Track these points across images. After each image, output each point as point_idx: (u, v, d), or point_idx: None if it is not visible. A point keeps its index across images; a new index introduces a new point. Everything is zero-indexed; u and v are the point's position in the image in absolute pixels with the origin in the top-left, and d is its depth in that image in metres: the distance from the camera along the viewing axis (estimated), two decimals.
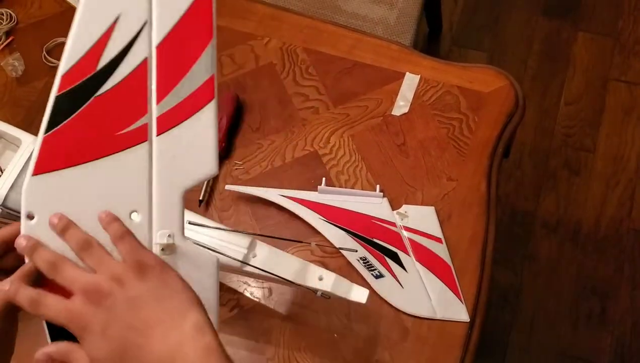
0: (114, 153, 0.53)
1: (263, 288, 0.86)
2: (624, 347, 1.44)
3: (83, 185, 0.52)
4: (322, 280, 0.70)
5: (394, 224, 0.87)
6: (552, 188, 1.61)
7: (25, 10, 1.12)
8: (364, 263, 0.84)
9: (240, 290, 0.86)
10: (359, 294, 0.71)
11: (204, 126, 0.54)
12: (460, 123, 0.94)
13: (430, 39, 1.81)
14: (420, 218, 0.87)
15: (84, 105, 0.52)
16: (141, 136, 0.53)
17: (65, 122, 0.52)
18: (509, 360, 1.45)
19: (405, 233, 0.86)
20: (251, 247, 0.72)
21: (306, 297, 0.84)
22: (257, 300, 0.86)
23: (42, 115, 1.00)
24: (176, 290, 0.50)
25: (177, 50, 0.54)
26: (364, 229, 0.86)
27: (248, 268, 0.72)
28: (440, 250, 0.85)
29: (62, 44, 1.07)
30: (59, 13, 1.11)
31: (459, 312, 0.81)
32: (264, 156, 0.95)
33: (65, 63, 0.53)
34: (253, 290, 0.86)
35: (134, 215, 0.53)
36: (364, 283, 0.83)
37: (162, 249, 0.53)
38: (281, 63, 1.02)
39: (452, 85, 0.97)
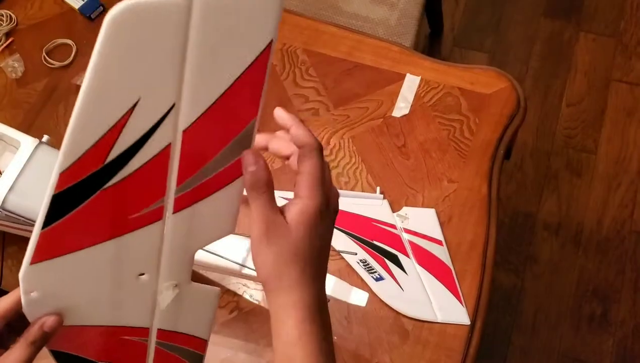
0: (123, 234, 0.47)
1: (262, 291, 0.85)
2: (625, 350, 1.44)
3: (87, 263, 0.47)
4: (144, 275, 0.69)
5: (394, 226, 0.86)
6: (553, 190, 1.61)
7: (25, 12, 1.12)
8: (364, 265, 0.83)
9: (240, 292, 0.85)
10: (358, 297, 0.71)
11: (228, 198, 0.48)
12: (461, 124, 0.94)
13: (432, 40, 1.80)
14: (420, 221, 0.87)
15: (89, 199, 0.44)
16: (156, 215, 0.46)
17: (64, 217, 0.44)
18: (510, 362, 1.44)
19: (405, 236, 0.86)
20: (250, 250, 0.72)
21: None
22: (257, 302, 0.85)
23: (42, 117, 1.00)
24: None
25: (209, 129, 0.44)
26: (364, 231, 0.86)
27: (247, 271, 0.71)
28: (441, 253, 0.84)
29: (62, 45, 1.08)
30: (58, 14, 1.11)
31: (460, 315, 0.80)
32: (264, 158, 0.94)
33: (65, 158, 0.41)
34: (252, 293, 0.85)
35: (142, 277, 0.50)
36: (364, 286, 0.83)
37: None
38: (281, 64, 1.02)
39: (453, 86, 0.97)
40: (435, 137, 0.94)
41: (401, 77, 0.98)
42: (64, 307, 0.49)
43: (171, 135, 0.43)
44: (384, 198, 0.89)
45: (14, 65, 1.06)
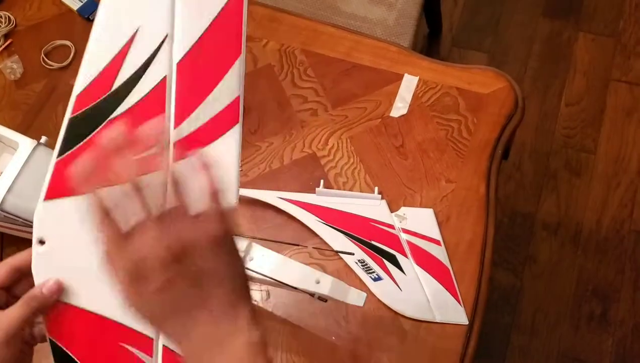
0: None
1: (261, 291, 0.85)
2: (625, 349, 1.44)
3: None
4: (320, 283, 0.70)
5: (392, 226, 0.86)
6: (552, 190, 1.61)
7: (23, 13, 1.12)
8: (362, 265, 0.83)
9: None
10: (356, 297, 0.71)
11: (225, 154, 0.48)
12: (459, 124, 0.94)
13: (430, 40, 1.80)
14: (418, 221, 0.87)
15: (98, 128, 0.48)
16: (155, 165, 0.46)
17: (79, 145, 0.48)
18: (509, 362, 1.44)
19: (403, 236, 0.86)
20: (248, 250, 0.72)
21: (304, 300, 0.83)
22: (255, 302, 0.85)
23: (41, 118, 1.00)
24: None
25: (200, 67, 0.48)
26: (362, 231, 0.86)
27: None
28: (439, 253, 0.84)
29: (61, 47, 1.08)
30: (57, 15, 1.11)
31: (458, 315, 0.80)
32: (262, 158, 0.95)
33: (80, 82, 0.49)
34: (251, 293, 0.85)
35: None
36: (362, 286, 0.83)
37: None
38: (279, 65, 1.02)
39: (451, 86, 0.97)
40: (433, 137, 0.94)
41: (399, 78, 0.98)
42: (71, 279, 0.47)
43: (166, 68, 0.47)
44: (382, 198, 0.89)
45: (13, 67, 1.06)
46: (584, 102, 1.71)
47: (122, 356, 0.48)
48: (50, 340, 0.49)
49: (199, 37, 0.47)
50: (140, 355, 0.48)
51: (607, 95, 1.71)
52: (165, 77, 0.47)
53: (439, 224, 0.87)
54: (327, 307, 0.81)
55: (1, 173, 0.78)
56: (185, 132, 0.47)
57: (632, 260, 1.52)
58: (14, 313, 0.48)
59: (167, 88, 0.47)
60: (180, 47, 0.48)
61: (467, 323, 0.80)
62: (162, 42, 0.47)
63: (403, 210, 0.88)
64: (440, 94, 0.97)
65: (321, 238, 0.86)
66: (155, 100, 0.47)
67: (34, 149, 0.79)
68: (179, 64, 0.48)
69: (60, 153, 0.48)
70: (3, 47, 1.08)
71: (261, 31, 1.05)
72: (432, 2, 1.60)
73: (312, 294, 0.70)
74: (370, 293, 0.81)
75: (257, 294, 0.85)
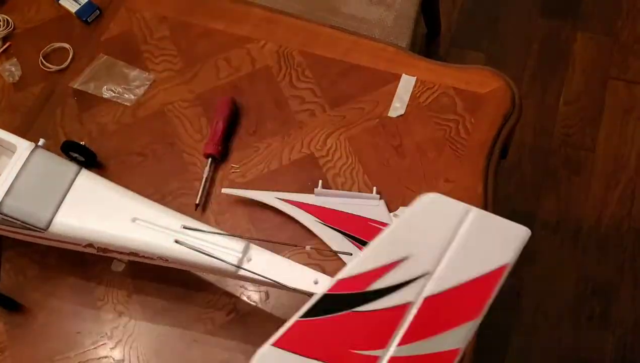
0: None
1: (260, 292, 0.85)
2: (625, 347, 1.44)
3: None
4: (318, 283, 0.70)
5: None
6: (552, 188, 1.61)
7: (22, 16, 1.12)
8: None
9: (237, 294, 0.86)
10: None
11: None
12: (457, 124, 0.94)
13: (429, 40, 1.81)
14: None
15: (341, 313, 0.56)
16: None
17: (320, 317, 0.56)
18: (509, 361, 1.44)
19: None
20: (246, 251, 0.72)
21: (304, 300, 0.83)
22: (254, 304, 0.85)
23: (40, 121, 1.01)
24: None
25: (440, 309, 0.55)
26: (361, 232, 0.86)
27: (243, 273, 0.72)
28: None
29: (59, 49, 1.08)
30: (56, 18, 1.11)
31: None
32: (261, 159, 0.95)
33: (347, 269, 0.57)
34: (250, 294, 0.86)
35: (316, 282, 0.60)
36: None
37: None
38: (277, 66, 1.02)
39: (448, 86, 0.97)
40: (431, 136, 0.94)
41: (397, 78, 0.99)
42: None
43: (414, 296, 0.55)
44: (381, 198, 0.89)
45: (11, 70, 1.06)
46: (582, 100, 1.71)
47: None
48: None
49: (451, 287, 0.55)
50: None
51: (605, 94, 1.71)
52: (409, 303, 0.55)
53: None
54: None
55: None
56: (403, 354, 0.55)
57: (632, 257, 1.52)
58: None
59: (406, 312, 0.55)
60: (433, 286, 0.55)
61: None
62: (421, 275, 0.56)
63: (401, 210, 0.88)
64: (438, 94, 0.97)
65: (320, 239, 0.86)
66: (393, 316, 0.55)
67: (32, 151, 0.79)
68: (426, 299, 0.55)
69: (304, 316, 0.57)
70: (1, 50, 1.09)
71: (259, 33, 1.05)
72: (430, 2, 1.61)
73: (310, 294, 0.70)
74: None
75: (256, 295, 0.85)
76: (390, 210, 0.88)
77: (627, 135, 1.66)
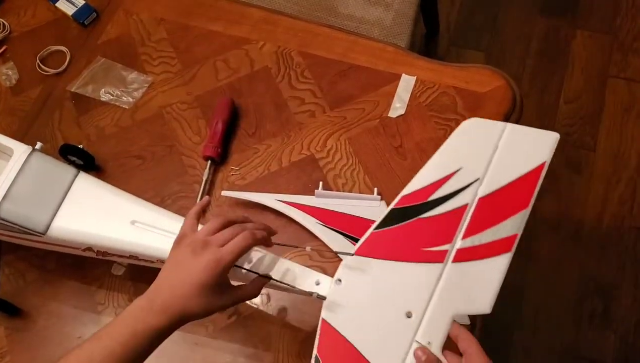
0: (414, 262, 0.65)
1: (261, 294, 0.84)
2: (627, 346, 1.43)
3: (384, 275, 0.65)
4: (319, 284, 0.69)
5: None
6: (552, 187, 1.60)
7: (18, 19, 1.12)
8: None
9: None
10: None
11: (493, 270, 0.63)
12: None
13: (428, 40, 1.80)
14: None
15: (409, 221, 0.67)
16: (440, 257, 0.64)
17: (391, 227, 0.67)
18: (511, 360, 1.44)
19: None
20: (247, 253, 0.71)
21: (305, 302, 0.83)
22: (256, 306, 0.85)
23: (37, 125, 1.00)
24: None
25: (494, 205, 0.65)
26: (362, 233, 0.85)
27: (243, 274, 0.71)
28: None
29: (56, 52, 1.07)
30: (52, 21, 1.11)
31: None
32: (261, 161, 0.94)
33: (409, 187, 0.68)
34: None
35: (410, 315, 0.63)
36: None
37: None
38: (276, 67, 1.02)
39: (449, 85, 0.97)
40: (431, 136, 0.93)
41: (397, 78, 0.98)
42: (347, 314, 0.64)
43: (469, 198, 0.66)
44: (382, 199, 0.88)
45: (8, 73, 1.06)
46: (582, 99, 1.71)
47: None
48: (315, 354, 0.64)
49: (502, 187, 0.65)
50: None
51: (605, 92, 1.71)
52: (466, 205, 0.66)
53: None
54: None
55: None
56: (468, 244, 0.65)
57: (633, 256, 1.52)
58: (234, 247, 0.63)
59: (465, 212, 0.66)
60: (485, 188, 0.66)
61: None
62: (474, 181, 0.67)
63: None
64: (438, 94, 0.96)
65: (321, 241, 0.85)
66: (454, 217, 0.66)
67: (29, 155, 0.79)
68: (480, 199, 0.66)
69: (377, 227, 0.67)
70: None
71: (257, 33, 1.05)
72: (429, 1, 1.60)
73: (310, 294, 0.69)
74: None
75: (257, 297, 0.84)
76: None
77: (628, 134, 1.66)
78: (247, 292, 0.67)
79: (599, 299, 1.48)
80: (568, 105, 1.71)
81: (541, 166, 0.66)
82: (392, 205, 0.67)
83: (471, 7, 1.87)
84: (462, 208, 0.66)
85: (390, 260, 0.65)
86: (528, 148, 0.68)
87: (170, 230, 0.74)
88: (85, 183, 0.79)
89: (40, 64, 1.06)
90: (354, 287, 0.65)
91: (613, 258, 1.52)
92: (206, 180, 0.92)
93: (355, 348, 0.62)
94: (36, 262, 0.90)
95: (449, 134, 0.92)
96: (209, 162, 0.93)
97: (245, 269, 0.71)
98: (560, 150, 1.63)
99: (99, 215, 0.73)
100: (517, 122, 0.94)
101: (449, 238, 0.65)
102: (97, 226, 0.73)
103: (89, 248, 0.77)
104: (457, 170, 0.68)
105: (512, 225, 0.64)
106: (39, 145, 0.82)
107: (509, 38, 1.82)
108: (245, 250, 0.64)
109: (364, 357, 0.62)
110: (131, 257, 0.76)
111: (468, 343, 0.61)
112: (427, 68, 0.99)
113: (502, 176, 0.66)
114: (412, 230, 0.66)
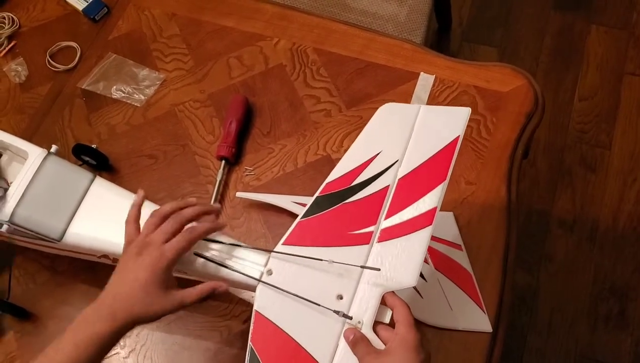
0: (342, 246, 0.66)
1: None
2: None
3: (314, 262, 0.65)
4: (343, 299, 0.66)
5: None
6: (567, 186, 1.58)
7: (27, 14, 1.09)
8: None
9: (253, 302, 0.83)
10: (382, 314, 0.67)
11: (416, 245, 0.64)
12: (478, 124, 0.91)
13: (440, 35, 1.77)
14: (438, 224, 0.83)
15: (334, 207, 0.68)
16: (366, 239, 0.66)
17: (317, 214, 0.68)
18: (526, 362, 1.42)
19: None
20: (267, 264, 0.68)
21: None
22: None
23: (47, 122, 0.98)
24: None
25: (413, 184, 0.67)
26: None
27: (200, 267, 0.69)
28: (460, 257, 0.82)
29: (66, 48, 1.05)
30: (62, 16, 1.09)
31: (481, 322, 0.78)
32: (275, 161, 0.92)
33: (333, 174, 0.70)
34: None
35: (342, 297, 0.64)
36: None
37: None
38: (291, 64, 0.99)
39: (469, 85, 0.94)
40: None
41: (415, 76, 0.96)
42: (280, 304, 0.64)
43: (391, 180, 0.68)
44: None
45: (18, 70, 1.03)
46: (597, 96, 1.68)
47: None
48: (250, 345, 0.63)
49: (419, 165, 0.68)
50: None
51: (621, 89, 1.68)
52: (388, 186, 0.68)
53: (460, 228, 0.84)
54: None
55: (11, 183, 0.75)
56: (391, 223, 0.66)
57: None
58: (176, 244, 0.64)
59: (387, 193, 0.68)
60: (404, 169, 0.68)
61: (490, 330, 0.78)
62: (394, 163, 0.69)
63: None
64: (458, 93, 0.94)
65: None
66: (377, 199, 0.68)
67: (45, 158, 0.76)
68: (400, 179, 0.68)
69: (304, 216, 0.68)
70: (7, 49, 1.06)
71: (272, 30, 1.02)
72: None
73: (336, 312, 0.66)
74: None
75: None
76: None
77: None
78: (194, 295, 0.65)
79: (615, 301, 1.45)
80: (583, 103, 1.68)
81: (455, 140, 0.68)
82: (317, 193, 0.69)
83: (484, 2, 1.84)
84: (384, 190, 0.68)
85: (318, 246, 0.67)
86: (442, 125, 0.70)
87: None
88: (102, 188, 0.76)
89: (50, 60, 1.03)
90: (284, 276, 0.66)
91: (629, 259, 1.49)
92: (220, 181, 0.90)
93: (289, 336, 0.63)
94: (47, 264, 0.88)
95: (470, 135, 0.91)
96: (223, 162, 0.91)
97: (266, 283, 0.67)
98: (575, 149, 1.61)
99: (116, 221, 0.70)
100: (540, 122, 0.92)
101: (373, 220, 0.67)
102: (114, 233, 0.71)
103: (105, 256, 0.75)
104: (377, 154, 0.70)
105: (432, 199, 0.65)
106: (54, 148, 0.79)
107: (522, 34, 1.79)
108: (187, 247, 0.65)
109: (298, 344, 0.62)
110: None
111: (399, 311, 0.62)
112: (446, 66, 0.96)
113: (419, 155, 0.68)
114: (338, 215, 0.68)
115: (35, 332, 0.84)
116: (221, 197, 0.90)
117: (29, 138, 0.97)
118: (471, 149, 0.89)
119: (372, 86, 0.96)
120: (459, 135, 0.68)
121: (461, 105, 0.92)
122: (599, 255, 1.50)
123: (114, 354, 0.82)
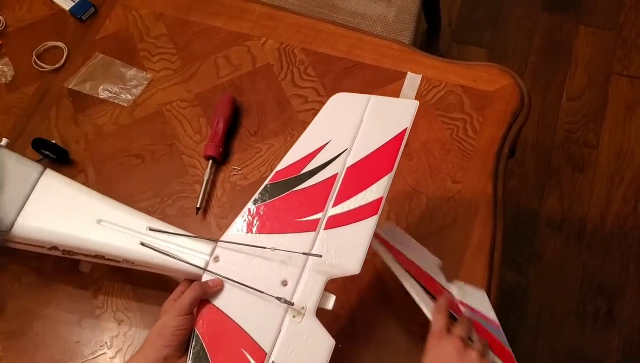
0: (288, 232, 0.67)
1: None
2: (632, 347, 1.42)
3: (260, 249, 0.67)
4: (287, 285, 0.65)
5: (450, 292, 0.77)
6: (555, 186, 1.59)
7: (14, 14, 1.09)
8: None
9: None
10: (326, 300, 0.66)
11: (361, 233, 0.65)
12: (465, 123, 0.92)
13: (429, 36, 1.78)
14: (473, 297, 0.78)
15: (283, 194, 0.70)
16: (312, 226, 0.67)
17: (265, 202, 0.70)
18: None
19: (462, 309, 0.77)
20: (213, 252, 0.69)
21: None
22: None
23: (34, 122, 0.97)
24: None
25: (361, 173, 0.69)
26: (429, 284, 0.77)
27: (209, 274, 0.69)
28: (499, 334, 0.76)
29: (53, 48, 1.05)
30: (49, 16, 1.08)
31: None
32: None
33: (283, 162, 0.71)
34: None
35: (286, 283, 0.65)
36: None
37: (293, 316, 0.64)
38: (279, 64, 0.99)
39: (455, 84, 0.95)
40: (438, 136, 0.91)
41: (402, 76, 0.96)
42: (225, 289, 0.66)
43: (339, 168, 0.70)
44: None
45: (3, 70, 1.03)
46: (585, 96, 1.69)
47: (238, 358, 0.62)
48: (195, 330, 0.64)
49: (367, 155, 0.69)
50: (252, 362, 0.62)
51: (608, 89, 1.69)
52: (336, 174, 0.69)
53: (445, 227, 0.84)
54: (334, 314, 0.78)
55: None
56: (338, 211, 0.68)
57: (637, 255, 1.50)
58: (189, 294, 0.65)
59: (335, 181, 0.69)
60: (353, 158, 0.70)
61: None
62: (342, 152, 0.70)
63: (457, 283, 0.78)
64: (445, 92, 0.94)
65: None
66: (325, 187, 0.69)
67: None
68: (348, 168, 0.70)
69: (254, 203, 0.70)
70: None
71: (259, 30, 1.03)
72: None
73: (277, 298, 0.65)
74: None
75: None
76: (395, 221, 0.85)
77: (631, 132, 1.64)
78: None
79: (603, 299, 1.46)
80: (571, 103, 1.69)
81: (403, 132, 0.69)
82: (266, 181, 0.70)
83: (472, 3, 1.85)
84: (332, 178, 0.69)
85: (267, 233, 0.68)
86: (391, 117, 0.71)
87: (136, 230, 0.72)
88: (52, 180, 0.76)
89: (37, 60, 1.03)
90: (231, 263, 0.67)
91: (617, 257, 1.50)
92: (207, 180, 0.90)
93: (233, 321, 0.64)
94: (32, 264, 0.87)
95: (456, 134, 0.91)
96: (210, 161, 0.91)
97: (210, 271, 0.68)
98: (563, 148, 1.62)
99: (65, 213, 0.71)
100: (526, 121, 0.93)
101: (321, 208, 0.68)
102: (63, 224, 0.72)
103: (55, 247, 0.74)
104: (327, 143, 0.71)
105: (378, 189, 0.66)
106: (4, 141, 0.80)
107: (511, 34, 1.80)
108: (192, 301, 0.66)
109: (242, 329, 0.63)
110: (97, 256, 0.74)
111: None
112: (433, 66, 0.97)
113: (368, 144, 0.70)
114: (286, 203, 0.69)
115: (21, 333, 0.84)
116: (208, 197, 0.90)
117: (15, 138, 0.96)
118: (457, 148, 0.90)
119: (359, 86, 0.96)
120: (406, 128, 0.69)
121: (448, 104, 0.93)
122: (587, 254, 1.51)
123: (101, 354, 0.81)
